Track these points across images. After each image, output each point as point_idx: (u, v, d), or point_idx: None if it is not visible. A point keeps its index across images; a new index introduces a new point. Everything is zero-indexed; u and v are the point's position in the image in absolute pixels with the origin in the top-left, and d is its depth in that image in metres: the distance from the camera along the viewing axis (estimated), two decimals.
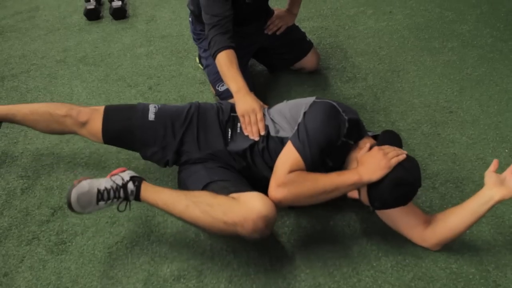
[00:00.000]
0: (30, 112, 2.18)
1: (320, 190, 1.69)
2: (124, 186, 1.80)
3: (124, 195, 1.80)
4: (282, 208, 2.06)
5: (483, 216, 1.73)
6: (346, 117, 1.77)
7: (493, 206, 1.71)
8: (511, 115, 2.55)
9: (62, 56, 3.21)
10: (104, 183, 1.79)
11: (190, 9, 2.64)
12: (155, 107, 2.05)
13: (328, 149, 1.75)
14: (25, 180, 2.28)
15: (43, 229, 2.05)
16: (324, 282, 1.80)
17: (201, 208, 1.69)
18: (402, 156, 1.71)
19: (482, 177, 2.14)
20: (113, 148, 2.38)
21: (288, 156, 1.74)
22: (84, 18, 3.65)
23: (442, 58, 3.02)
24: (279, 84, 2.85)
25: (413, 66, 2.96)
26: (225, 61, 2.22)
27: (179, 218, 1.77)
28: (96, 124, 2.04)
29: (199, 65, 2.97)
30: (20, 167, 2.35)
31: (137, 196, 1.81)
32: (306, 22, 3.44)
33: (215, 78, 2.54)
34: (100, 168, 2.30)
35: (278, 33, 2.74)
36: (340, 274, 1.83)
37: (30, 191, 2.22)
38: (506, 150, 2.34)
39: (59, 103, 2.21)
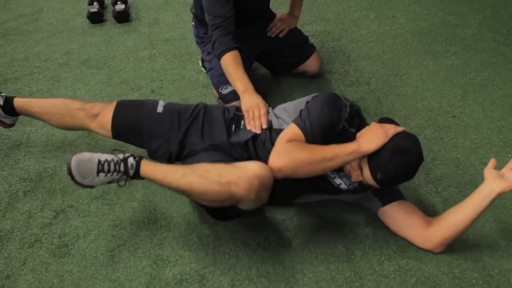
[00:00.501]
0: (47, 105, 2.26)
1: (319, 157, 1.70)
2: (125, 160, 1.80)
3: (124, 169, 1.79)
4: (284, 209, 2.06)
5: (485, 210, 1.74)
6: (348, 103, 1.81)
7: (494, 200, 1.72)
8: None
9: (65, 59, 3.22)
10: (105, 155, 1.80)
11: (193, 13, 2.65)
12: (164, 101, 2.11)
13: (328, 131, 1.77)
14: (27, 183, 2.28)
15: (45, 231, 2.04)
16: (327, 286, 1.80)
17: (197, 172, 1.70)
18: (400, 129, 1.74)
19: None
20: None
21: (289, 130, 1.79)
22: (87, 21, 3.65)
23: (445, 62, 3.02)
24: (282, 88, 2.85)
25: (416, 70, 2.96)
26: (231, 62, 2.25)
27: (176, 189, 1.76)
28: (107, 115, 2.09)
29: (202, 68, 2.97)
30: (23, 170, 2.35)
31: (137, 171, 1.79)
32: (309, 26, 3.44)
33: (219, 81, 2.54)
34: None
35: (281, 35, 2.74)
36: (343, 278, 1.82)
37: (33, 193, 2.23)
38: (510, 155, 2.33)
39: (74, 99, 2.27)
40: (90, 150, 2.38)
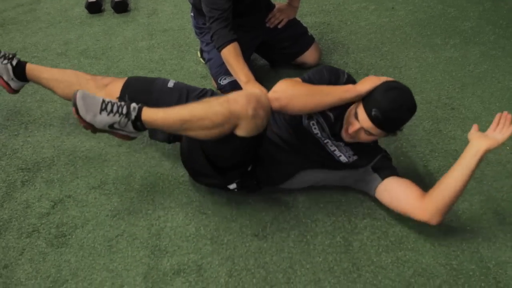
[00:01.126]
0: (58, 72, 2.36)
1: (316, 90, 1.86)
2: (128, 104, 1.81)
3: (127, 111, 1.78)
4: (282, 200, 2.06)
5: (474, 170, 1.77)
6: (345, 71, 2.00)
7: (481, 159, 1.77)
8: None
9: (63, 49, 3.20)
10: (109, 98, 1.83)
11: (191, 3, 2.64)
12: (174, 80, 2.26)
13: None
14: (25, 173, 2.27)
15: (43, 221, 2.04)
16: (324, 277, 1.80)
17: (199, 101, 1.83)
18: (391, 79, 1.87)
19: (483, 175, 2.18)
20: (114, 141, 2.38)
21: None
22: (86, 11, 3.64)
23: (444, 54, 3.01)
24: (280, 78, 2.83)
25: (415, 62, 2.95)
26: (232, 54, 2.31)
27: (177, 122, 1.77)
28: (117, 85, 2.18)
29: (201, 59, 2.97)
30: (21, 160, 2.34)
31: (138, 114, 1.79)
32: (308, 17, 3.43)
33: (218, 71, 2.54)
34: (101, 161, 2.30)
35: (279, 26, 2.74)
36: (340, 269, 1.83)
37: (31, 183, 2.22)
38: (507, 148, 2.33)
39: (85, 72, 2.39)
40: (88, 139, 2.40)
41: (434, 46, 3.11)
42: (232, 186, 2.04)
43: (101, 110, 1.77)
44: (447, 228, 1.95)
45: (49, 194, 2.16)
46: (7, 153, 2.38)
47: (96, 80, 2.25)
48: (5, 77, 2.37)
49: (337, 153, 1.99)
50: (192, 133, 1.80)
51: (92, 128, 1.81)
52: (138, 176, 2.22)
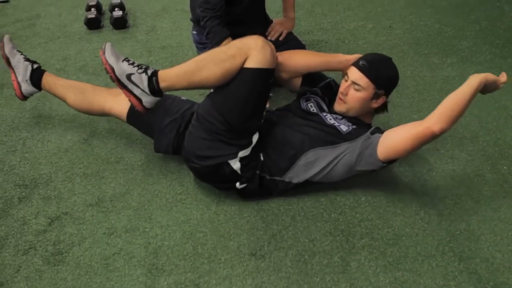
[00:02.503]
0: (74, 81, 2.53)
1: (309, 53, 2.41)
2: (147, 65, 2.08)
3: (145, 68, 2.04)
4: (279, 219, 2.06)
5: (472, 95, 1.91)
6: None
7: (479, 86, 1.93)
8: (510, 132, 2.56)
9: (62, 64, 3.21)
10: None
11: (193, 20, 2.67)
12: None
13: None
14: (22, 189, 2.27)
15: (40, 239, 2.03)
16: None
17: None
18: None
19: (481, 194, 2.18)
20: (112, 158, 2.39)
21: None
22: (85, 27, 3.65)
23: (441, 73, 3.03)
24: (279, 97, 2.85)
25: (413, 81, 2.97)
26: None
27: (192, 68, 2.02)
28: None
29: None
30: (18, 176, 2.34)
31: (155, 71, 2.04)
32: (306, 35, 3.45)
33: None
34: (98, 178, 2.30)
35: (280, 38, 2.78)
36: None
37: (28, 200, 2.21)
38: (505, 167, 2.34)
39: None
40: (86, 156, 2.40)
41: (431, 65, 3.13)
42: (240, 184, 2.08)
43: (123, 60, 2.04)
44: (445, 248, 1.95)
45: (46, 211, 2.15)
46: (5, 169, 2.38)
47: (109, 89, 2.40)
48: (20, 77, 2.45)
49: (336, 124, 2.11)
50: (205, 73, 1.97)
51: (113, 73, 2.01)
52: (135, 194, 2.21)
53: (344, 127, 2.10)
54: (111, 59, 2.01)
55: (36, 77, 2.45)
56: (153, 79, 2.01)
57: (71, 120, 2.65)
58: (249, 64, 1.93)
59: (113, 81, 2.04)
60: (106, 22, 3.73)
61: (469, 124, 2.61)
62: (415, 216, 2.09)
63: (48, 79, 2.47)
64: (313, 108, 2.23)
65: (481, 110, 2.71)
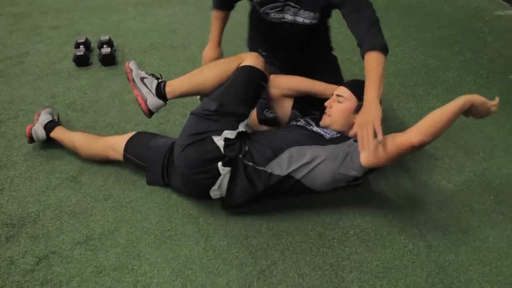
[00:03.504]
0: (82, 131, 2.76)
1: (299, 78, 2.48)
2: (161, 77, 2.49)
3: (157, 76, 2.47)
4: (269, 251, 2.05)
5: (457, 113, 1.92)
6: None
7: (464, 106, 1.92)
8: (496, 162, 2.59)
9: (50, 102, 3.22)
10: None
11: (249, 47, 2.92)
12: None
13: None
14: (10, 228, 2.25)
15: (27, 278, 2.01)
16: None
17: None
18: None
19: (469, 225, 2.19)
20: (100, 196, 2.38)
21: None
22: (73, 64, 3.67)
23: (427, 105, 3.07)
24: None
25: (399, 113, 3.00)
26: (213, 17, 2.92)
27: (197, 71, 2.39)
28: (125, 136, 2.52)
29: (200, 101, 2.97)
30: (5, 215, 2.32)
31: (164, 81, 2.42)
32: None
33: (265, 103, 2.58)
34: (87, 215, 2.29)
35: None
36: None
37: (15, 239, 2.20)
38: (492, 197, 2.36)
39: None
40: (74, 193, 2.39)
41: (417, 96, 3.17)
42: (223, 166, 2.13)
43: (141, 70, 2.45)
44: (434, 280, 1.95)
45: (34, 250, 2.14)
46: None
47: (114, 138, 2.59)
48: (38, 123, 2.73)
49: (321, 131, 2.27)
50: (205, 73, 2.35)
51: (130, 73, 2.43)
52: (124, 231, 2.20)
53: (328, 135, 2.24)
54: (133, 65, 2.44)
55: (49, 128, 2.73)
56: (161, 84, 2.39)
57: (59, 158, 2.65)
58: (244, 63, 2.30)
59: (129, 80, 2.43)
60: (94, 59, 3.75)
61: (455, 155, 2.64)
62: (404, 249, 2.09)
63: (59, 131, 2.71)
64: (300, 122, 2.40)
65: (467, 141, 2.74)
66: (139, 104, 2.40)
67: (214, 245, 2.12)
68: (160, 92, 2.38)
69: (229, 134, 2.16)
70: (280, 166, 2.11)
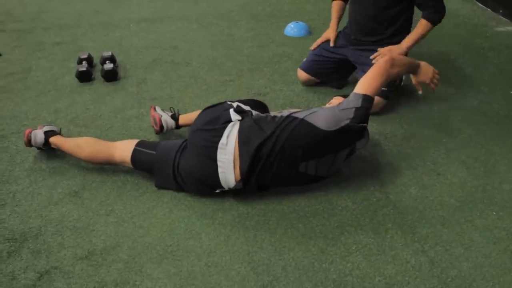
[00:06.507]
0: (81, 137, 2.80)
1: None
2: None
3: (173, 112, 2.90)
4: (267, 271, 2.05)
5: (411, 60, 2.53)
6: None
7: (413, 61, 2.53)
8: (498, 177, 2.59)
9: (53, 117, 3.23)
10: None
11: None
12: None
13: None
14: (12, 243, 2.25)
15: None
16: None
17: None
18: None
19: (471, 240, 2.19)
20: (102, 211, 2.38)
21: None
22: (76, 80, 3.69)
23: (428, 120, 3.07)
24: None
25: (400, 129, 3.01)
26: (333, 8, 3.55)
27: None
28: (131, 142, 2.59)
29: None
30: (7, 230, 2.32)
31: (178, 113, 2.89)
32: None
33: None
34: (89, 231, 2.29)
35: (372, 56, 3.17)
36: None
37: (17, 254, 2.19)
38: (494, 213, 2.35)
39: None
40: (76, 208, 2.39)
41: (418, 112, 3.18)
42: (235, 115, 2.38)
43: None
44: None
45: (36, 265, 2.13)
46: None
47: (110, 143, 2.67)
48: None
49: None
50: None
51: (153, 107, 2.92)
52: (126, 246, 2.20)
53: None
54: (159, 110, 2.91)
55: (47, 138, 2.77)
56: (175, 114, 2.87)
57: (62, 173, 2.66)
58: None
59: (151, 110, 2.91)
60: (97, 74, 3.77)
61: (457, 170, 2.64)
62: (406, 264, 2.08)
63: (57, 139, 2.74)
64: None
65: (468, 156, 2.74)
66: (154, 119, 2.86)
67: (216, 260, 2.12)
68: (174, 116, 2.89)
69: (241, 103, 2.47)
70: (282, 114, 2.39)
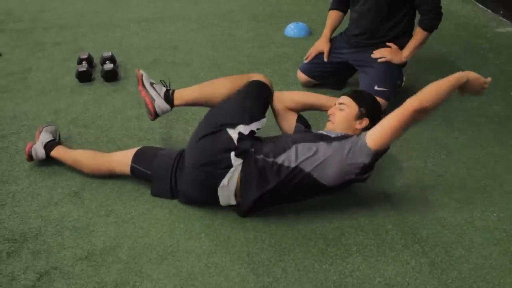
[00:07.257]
0: (78, 150, 2.72)
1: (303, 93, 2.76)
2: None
3: (166, 84, 2.71)
4: (267, 272, 2.05)
5: (455, 82, 2.19)
6: None
7: (461, 77, 2.19)
8: (498, 178, 2.59)
9: (53, 117, 3.23)
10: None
11: None
12: None
13: None
14: (11, 244, 2.24)
15: None
16: None
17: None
18: None
19: (471, 242, 2.19)
20: (102, 211, 2.38)
21: None
22: (76, 80, 3.69)
23: (429, 122, 3.07)
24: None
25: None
26: (329, 17, 3.54)
27: (207, 82, 2.69)
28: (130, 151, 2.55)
29: None
30: (7, 230, 2.32)
31: (173, 91, 2.62)
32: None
33: None
34: (88, 231, 2.28)
35: (373, 56, 3.20)
36: None
37: (16, 255, 2.19)
38: (494, 214, 2.35)
39: None
40: (76, 209, 2.39)
41: None
42: (236, 157, 2.21)
43: (150, 78, 2.67)
44: None
45: (35, 266, 2.13)
46: None
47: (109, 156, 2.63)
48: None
49: (326, 133, 2.33)
50: (216, 84, 2.61)
51: (141, 78, 2.63)
52: (125, 247, 2.19)
53: (333, 135, 2.30)
54: (143, 72, 2.66)
55: (49, 147, 2.72)
56: (169, 90, 2.61)
57: (61, 173, 2.65)
58: (253, 78, 2.52)
59: (138, 83, 2.63)
60: (97, 75, 3.77)
61: (458, 171, 2.64)
62: (407, 265, 2.08)
63: (58, 150, 2.70)
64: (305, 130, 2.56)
65: (469, 157, 2.74)
66: (146, 105, 2.59)
67: (216, 261, 2.12)
68: (168, 97, 2.59)
69: (243, 129, 2.30)
70: (288, 159, 2.19)
